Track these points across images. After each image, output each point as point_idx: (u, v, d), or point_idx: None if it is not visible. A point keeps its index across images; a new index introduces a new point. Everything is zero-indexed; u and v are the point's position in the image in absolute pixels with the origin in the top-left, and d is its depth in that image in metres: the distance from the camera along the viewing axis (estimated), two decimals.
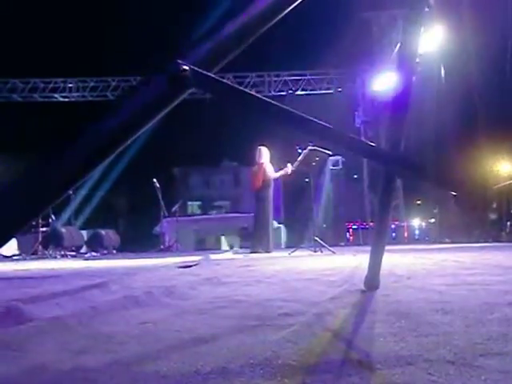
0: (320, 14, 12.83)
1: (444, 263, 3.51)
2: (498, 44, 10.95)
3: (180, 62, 0.89)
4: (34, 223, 9.07)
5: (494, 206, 11.92)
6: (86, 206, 16.02)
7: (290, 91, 14.49)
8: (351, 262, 4.06)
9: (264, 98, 0.98)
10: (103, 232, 11.90)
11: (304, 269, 3.38)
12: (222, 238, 13.42)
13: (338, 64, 14.70)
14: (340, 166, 15.18)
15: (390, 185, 1.81)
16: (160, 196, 10.98)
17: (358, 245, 12.71)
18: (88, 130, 0.91)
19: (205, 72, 0.91)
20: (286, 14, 0.99)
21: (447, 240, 12.59)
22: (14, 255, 9.38)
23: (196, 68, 0.90)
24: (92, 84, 14.98)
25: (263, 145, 7.84)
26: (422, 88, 10.33)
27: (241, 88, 1.03)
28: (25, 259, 8.47)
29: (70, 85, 15.06)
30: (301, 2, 1.00)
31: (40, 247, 10.08)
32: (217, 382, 0.82)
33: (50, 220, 10.56)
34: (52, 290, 2.04)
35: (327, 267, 3.40)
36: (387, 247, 1.84)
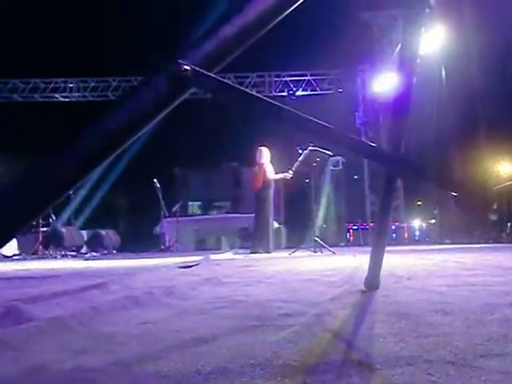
0: (320, 15, 12.82)
1: (444, 264, 3.50)
2: (499, 45, 10.94)
3: (181, 61, 0.89)
4: (34, 223, 9.08)
5: (495, 206, 11.91)
6: (86, 206, 16.02)
7: (291, 92, 14.48)
8: (351, 262, 4.06)
9: (265, 98, 0.98)
10: (103, 232, 11.89)
11: (304, 269, 3.38)
12: (223, 238, 13.42)
13: (338, 64, 14.72)
14: (340, 167, 15.13)
15: (391, 185, 1.81)
16: (160, 196, 10.98)
17: (359, 245, 12.71)
18: (89, 130, 0.91)
19: (206, 72, 0.91)
20: (286, 15, 0.99)
21: (448, 241, 12.58)
22: (14, 255, 9.39)
23: (197, 68, 0.90)
24: (93, 84, 14.99)
25: (264, 145, 7.84)
26: (422, 89, 10.32)
27: (242, 88, 1.03)
28: (25, 259, 8.48)
29: (71, 85, 15.07)
30: (302, 3, 1.00)
31: (40, 247, 10.09)
32: (217, 382, 0.82)
33: (51, 220, 10.56)
34: (52, 290, 2.04)
35: (327, 268, 3.40)
36: (387, 248, 1.84)
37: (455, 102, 12.28)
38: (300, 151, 6.92)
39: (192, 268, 3.62)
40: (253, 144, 8.17)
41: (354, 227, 19.02)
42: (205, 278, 2.55)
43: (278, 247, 9.90)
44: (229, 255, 7.06)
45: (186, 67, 0.89)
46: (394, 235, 15.23)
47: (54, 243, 10.35)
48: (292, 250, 6.97)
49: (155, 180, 10.91)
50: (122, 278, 2.54)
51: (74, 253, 10.34)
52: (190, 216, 14.53)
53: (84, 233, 12.41)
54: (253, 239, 7.64)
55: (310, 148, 6.76)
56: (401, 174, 2.13)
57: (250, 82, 14.72)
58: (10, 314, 1.35)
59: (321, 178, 14.21)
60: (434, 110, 12.42)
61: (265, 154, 7.67)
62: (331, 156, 7.02)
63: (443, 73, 12.68)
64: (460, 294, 1.70)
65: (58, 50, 14.90)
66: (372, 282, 1.85)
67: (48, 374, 0.88)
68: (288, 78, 14.80)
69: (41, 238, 10.09)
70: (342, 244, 14.76)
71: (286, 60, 15.28)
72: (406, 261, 4.07)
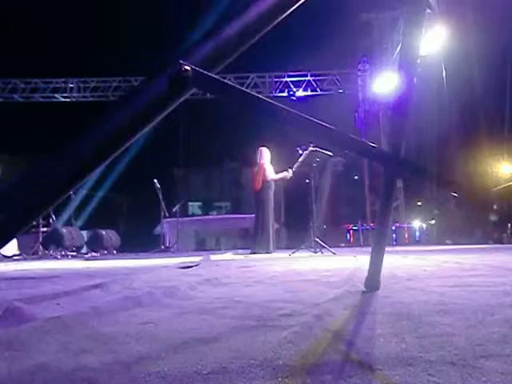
0: (321, 15, 12.84)
1: (445, 265, 3.50)
2: (499, 46, 10.94)
3: (182, 62, 0.89)
4: (34, 223, 9.08)
5: (495, 207, 11.89)
6: (87, 206, 16.03)
7: (291, 92, 14.49)
8: (352, 263, 4.05)
9: (265, 99, 0.98)
10: (103, 232, 11.89)
11: (304, 270, 3.38)
12: (223, 238, 13.43)
13: (338, 65, 14.72)
14: (341, 167, 15.17)
15: (391, 186, 1.81)
16: (161, 196, 10.98)
17: (359, 246, 12.70)
18: (89, 130, 0.91)
19: (206, 72, 0.91)
20: (287, 15, 0.99)
21: (448, 241, 12.57)
22: (14, 255, 9.38)
23: (197, 68, 0.90)
24: (93, 84, 14.99)
25: (264, 145, 7.83)
26: (423, 90, 10.32)
27: (242, 88, 1.03)
28: (25, 259, 8.48)
29: (71, 85, 15.07)
30: (302, 3, 1.00)
31: (40, 247, 10.09)
32: (217, 382, 0.82)
33: (51, 220, 10.57)
34: (52, 290, 2.04)
35: (328, 268, 3.40)
36: (388, 248, 1.84)
37: (455, 101, 12.28)
38: (300, 151, 6.92)
39: (192, 268, 3.62)
40: (253, 144, 8.17)
41: (354, 228, 19.02)
42: (205, 279, 2.54)
43: (278, 248, 9.90)
44: (229, 256, 7.06)
45: (187, 67, 0.89)
46: (394, 236, 15.23)
47: (54, 243, 10.34)
48: (292, 251, 6.97)
49: (155, 180, 10.91)
50: (123, 278, 2.53)
51: (74, 253, 10.34)
52: (191, 216, 14.54)
53: (84, 233, 12.40)
54: (253, 240, 7.64)
55: (310, 148, 6.75)
56: (401, 175, 2.13)
57: (250, 83, 14.72)
58: (10, 314, 1.35)
59: (321, 178, 14.21)
60: (435, 111, 12.42)
61: (265, 155, 7.66)
62: (331, 156, 7.01)
63: (444, 73, 12.68)
64: (460, 295, 1.70)
65: (58, 50, 14.92)
66: (372, 282, 1.85)
67: (48, 373, 0.88)
68: (288, 79, 14.80)
69: (41, 238, 10.08)
70: (342, 244, 14.75)
71: (286, 60, 15.31)
72: (406, 261, 4.07)
